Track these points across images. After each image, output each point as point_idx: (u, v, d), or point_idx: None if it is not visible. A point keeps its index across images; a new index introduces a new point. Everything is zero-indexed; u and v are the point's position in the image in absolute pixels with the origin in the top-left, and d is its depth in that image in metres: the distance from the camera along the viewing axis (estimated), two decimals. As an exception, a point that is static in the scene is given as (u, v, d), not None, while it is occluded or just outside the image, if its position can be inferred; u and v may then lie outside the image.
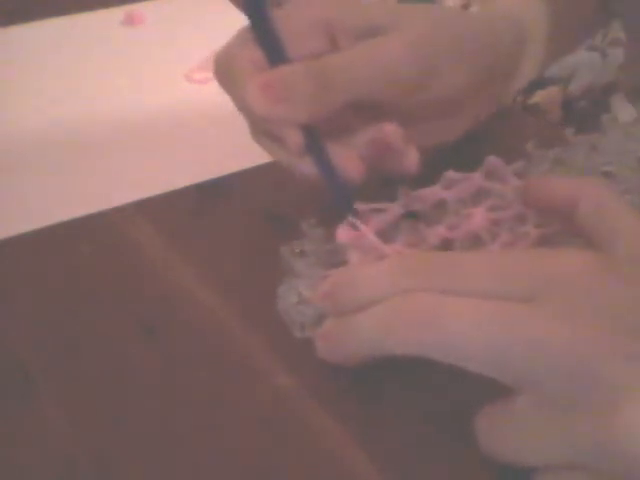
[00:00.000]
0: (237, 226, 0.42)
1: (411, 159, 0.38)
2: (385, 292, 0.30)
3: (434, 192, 0.38)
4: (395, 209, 0.38)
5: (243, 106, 0.38)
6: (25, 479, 0.30)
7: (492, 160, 0.39)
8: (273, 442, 0.30)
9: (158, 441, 0.31)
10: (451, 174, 0.39)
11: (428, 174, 0.38)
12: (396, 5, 0.41)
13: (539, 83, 1.49)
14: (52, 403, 0.32)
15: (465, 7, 1.05)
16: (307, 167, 0.37)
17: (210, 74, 0.56)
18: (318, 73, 0.36)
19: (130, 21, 0.64)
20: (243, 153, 0.47)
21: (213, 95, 0.54)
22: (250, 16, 0.33)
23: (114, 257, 0.40)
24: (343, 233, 0.36)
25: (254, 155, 0.46)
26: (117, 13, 0.65)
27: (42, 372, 0.33)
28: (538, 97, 1.48)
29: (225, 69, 0.39)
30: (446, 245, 0.36)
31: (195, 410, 0.32)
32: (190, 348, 0.34)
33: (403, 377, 0.33)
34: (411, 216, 0.38)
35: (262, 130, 0.39)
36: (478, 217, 0.37)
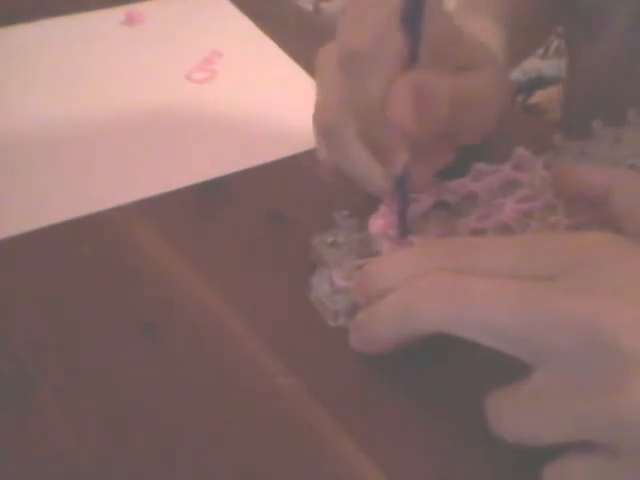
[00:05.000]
0: (237, 226, 0.42)
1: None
2: (408, 275, 0.30)
3: (464, 184, 0.39)
4: (426, 200, 0.38)
5: (366, 100, 0.35)
6: (25, 479, 0.30)
7: (521, 152, 0.39)
8: (273, 442, 0.30)
9: (158, 441, 0.31)
10: (480, 166, 0.39)
11: (458, 166, 0.39)
12: (479, 46, 0.41)
13: (539, 83, 1.49)
14: (52, 403, 0.32)
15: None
16: (384, 185, 0.36)
17: (209, 74, 0.57)
18: (460, 90, 0.35)
19: (130, 21, 0.64)
20: (243, 153, 0.47)
21: (213, 95, 0.55)
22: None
23: (114, 257, 0.40)
24: (375, 224, 0.36)
25: (254, 155, 0.46)
26: (117, 13, 0.65)
27: (42, 372, 0.33)
28: (538, 97, 1.48)
29: (359, 56, 0.34)
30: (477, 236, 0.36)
31: (195, 410, 0.32)
32: (190, 348, 0.34)
33: (404, 377, 0.33)
34: (442, 207, 0.38)
35: (367, 135, 0.37)
36: (508, 208, 0.37)
